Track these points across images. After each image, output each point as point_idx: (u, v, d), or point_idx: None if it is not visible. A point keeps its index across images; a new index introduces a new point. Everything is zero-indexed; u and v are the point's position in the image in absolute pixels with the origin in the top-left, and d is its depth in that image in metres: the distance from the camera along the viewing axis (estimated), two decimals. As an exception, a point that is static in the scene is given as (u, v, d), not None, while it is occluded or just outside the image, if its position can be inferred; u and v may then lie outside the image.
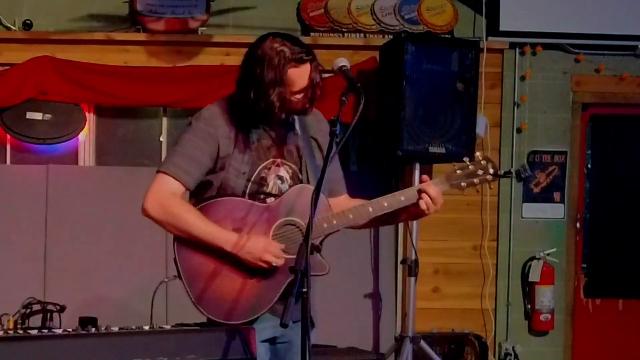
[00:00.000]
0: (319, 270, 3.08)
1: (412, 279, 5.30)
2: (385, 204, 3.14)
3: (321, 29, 5.77)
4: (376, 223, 3.30)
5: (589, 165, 6.14)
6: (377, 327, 5.76)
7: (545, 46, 5.90)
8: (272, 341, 3.19)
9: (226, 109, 3.15)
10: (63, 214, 5.51)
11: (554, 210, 5.95)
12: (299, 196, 3.09)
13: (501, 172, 3.34)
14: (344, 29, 5.77)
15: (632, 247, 6.14)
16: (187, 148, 3.08)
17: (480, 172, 3.18)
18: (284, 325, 2.74)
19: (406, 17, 5.78)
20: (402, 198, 3.14)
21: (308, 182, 3.16)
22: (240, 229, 3.06)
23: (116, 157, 5.77)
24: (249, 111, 3.10)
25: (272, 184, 3.15)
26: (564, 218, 5.98)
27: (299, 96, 3.08)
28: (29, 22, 5.56)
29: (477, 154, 3.24)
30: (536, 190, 5.95)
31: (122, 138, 5.82)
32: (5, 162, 5.64)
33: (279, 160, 3.16)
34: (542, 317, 5.83)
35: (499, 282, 5.92)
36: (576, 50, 5.95)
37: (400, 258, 5.67)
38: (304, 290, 2.71)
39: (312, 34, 5.75)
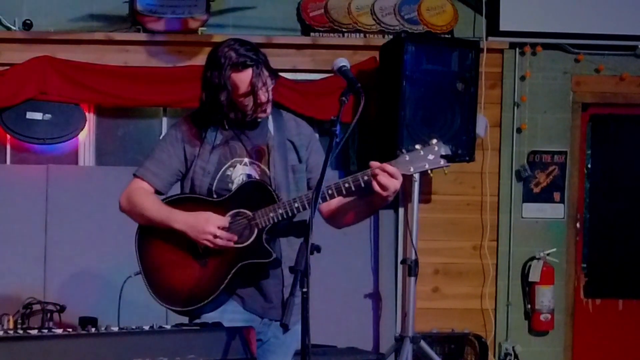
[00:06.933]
0: (262, 257, 3.16)
1: (412, 279, 5.29)
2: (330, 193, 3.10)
3: (321, 29, 5.76)
4: (341, 217, 3.28)
5: (589, 165, 6.13)
6: (377, 327, 5.76)
7: (545, 46, 5.90)
8: None
9: (197, 114, 3.31)
10: (63, 214, 5.51)
11: (554, 210, 5.95)
12: (251, 192, 3.19)
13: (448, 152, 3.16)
14: (344, 29, 5.77)
15: (632, 247, 6.13)
16: (156, 152, 3.33)
17: (430, 156, 3.09)
18: (284, 325, 2.77)
19: (406, 17, 5.77)
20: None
21: (276, 180, 3.23)
22: None
23: (116, 157, 5.78)
24: (207, 112, 3.25)
25: (238, 182, 3.24)
26: (564, 218, 5.98)
27: (245, 99, 3.19)
28: (29, 22, 5.57)
29: (433, 140, 3.12)
30: (536, 190, 5.95)
31: (122, 138, 5.82)
32: (5, 162, 5.64)
33: (246, 159, 3.27)
34: (542, 317, 5.83)
35: (499, 282, 5.92)
36: (576, 50, 5.95)
37: (400, 258, 5.67)
38: (304, 290, 2.71)
39: (312, 34, 5.75)
